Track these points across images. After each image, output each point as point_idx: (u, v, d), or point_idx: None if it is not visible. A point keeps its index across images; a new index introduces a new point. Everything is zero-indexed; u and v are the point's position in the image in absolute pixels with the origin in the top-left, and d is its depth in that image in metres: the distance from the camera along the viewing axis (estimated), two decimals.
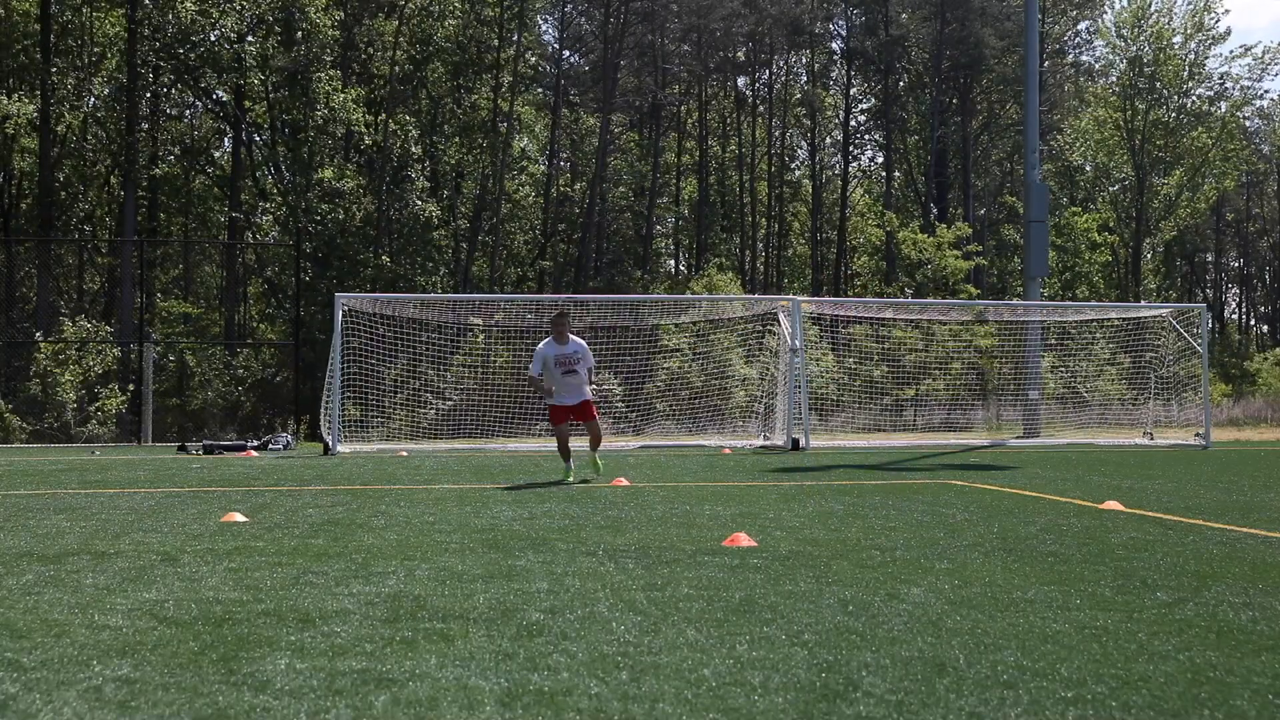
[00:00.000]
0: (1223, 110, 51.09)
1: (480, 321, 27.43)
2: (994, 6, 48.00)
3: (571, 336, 12.85)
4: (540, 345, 12.86)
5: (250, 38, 35.12)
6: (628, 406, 27.15)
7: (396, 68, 36.87)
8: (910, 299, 36.53)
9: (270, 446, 20.98)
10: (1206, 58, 50.14)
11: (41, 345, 26.84)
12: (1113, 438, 23.98)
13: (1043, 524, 8.31)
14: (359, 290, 29.79)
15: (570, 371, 12.64)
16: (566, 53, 47.49)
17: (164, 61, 34.89)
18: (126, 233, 33.10)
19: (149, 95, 35.11)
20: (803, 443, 20.01)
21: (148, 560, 6.48)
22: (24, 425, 25.28)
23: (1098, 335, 29.78)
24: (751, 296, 34.13)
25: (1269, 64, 50.98)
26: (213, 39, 34.99)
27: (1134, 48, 49.11)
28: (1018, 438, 24.59)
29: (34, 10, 34.41)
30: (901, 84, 51.75)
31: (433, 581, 5.73)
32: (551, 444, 22.79)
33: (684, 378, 27.28)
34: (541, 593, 5.43)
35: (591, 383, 12.84)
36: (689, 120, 51.68)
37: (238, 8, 33.95)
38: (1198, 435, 22.98)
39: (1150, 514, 9.09)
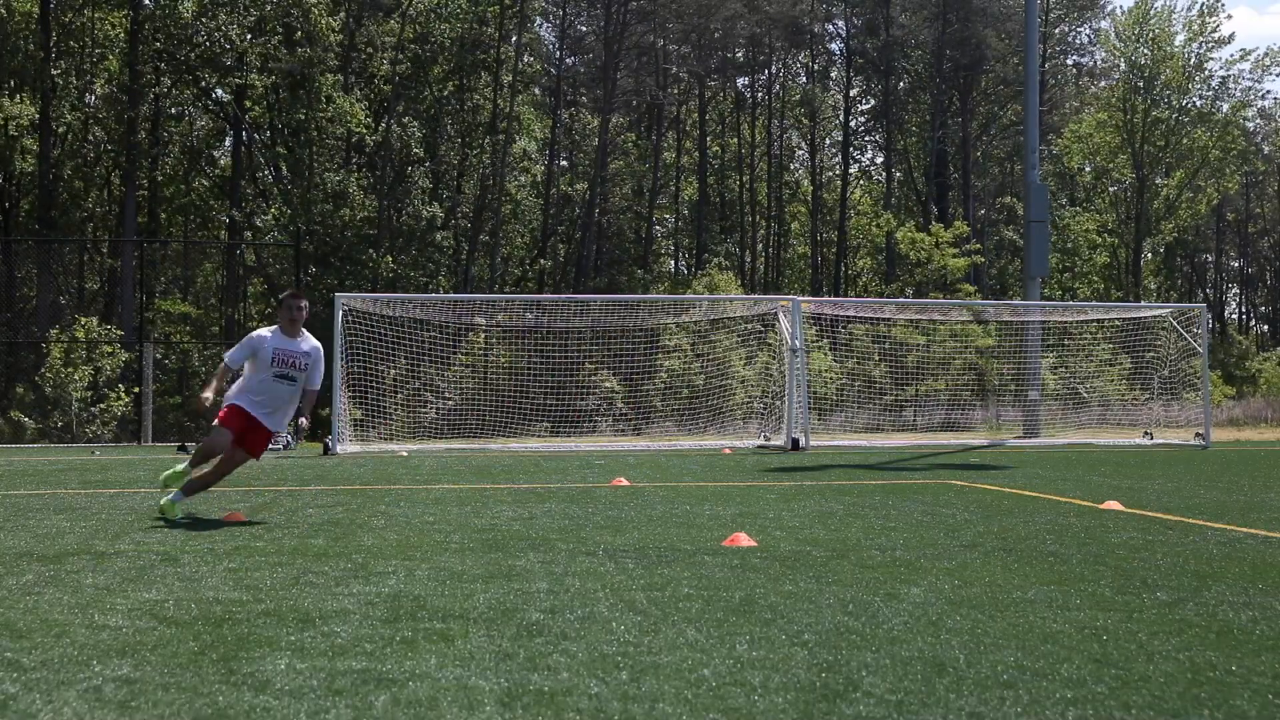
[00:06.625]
0: (1224, 111, 51.07)
1: (481, 321, 27.41)
2: (995, 7, 47.99)
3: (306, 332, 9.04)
4: (260, 331, 9.05)
5: (250, 38, 35.12)
6: (628, 406, 27.12)
7: (398, 68, 36.86)
8: (910, 299, 36.52)
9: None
10: (1207, 59, 50.13)
11: (52, 346, 26.81)
12: (1113, 438, 23.97)
13: (1043, 524, 8.31)
14: (360, 290, 29.78)
15: (288, 379, 8.88)
16: (566, 53, 47.49)
17: (165, 62, 34.87)
18: (127, 233, 33.11)
19: (150, 96, 35.11)
20: (803, 443, 20.00)
21: (148, 560, 6.48)
22: (32, 424, 25.28)
23: (1098, 335, 29.77)
24: (751, 297, 34.12)
25: (1269, 66, 50.99)
26: (214, 40, 35.00)
27: (1134, 51, 49.07)
28: (1017, 438, 24.59)
29: (34, 10, 34.40)
30: (902, 85, 51.73)
31: (433, 581, 5.73)
32: (553, 444, 22.73)
33: (684, 377, 27.27)
34: (541, 593, 5.43)
35: (305, 416, 9.17)
36: (688, 121, 51.68)
37: (239, 8, 33.94)
38: (1198, 435, 22.98)
39: (1150, 514, 9.09)
